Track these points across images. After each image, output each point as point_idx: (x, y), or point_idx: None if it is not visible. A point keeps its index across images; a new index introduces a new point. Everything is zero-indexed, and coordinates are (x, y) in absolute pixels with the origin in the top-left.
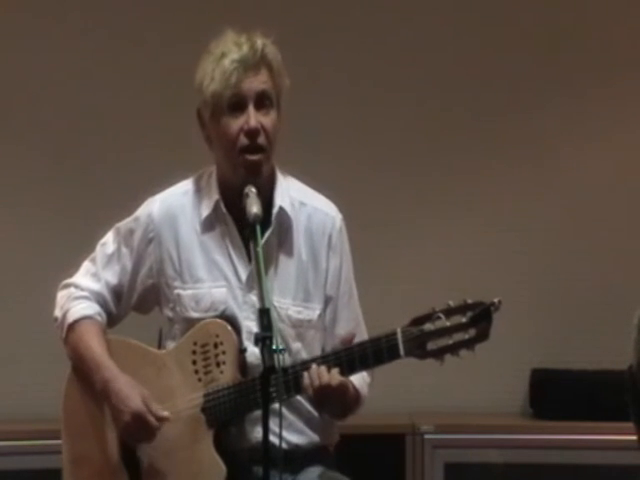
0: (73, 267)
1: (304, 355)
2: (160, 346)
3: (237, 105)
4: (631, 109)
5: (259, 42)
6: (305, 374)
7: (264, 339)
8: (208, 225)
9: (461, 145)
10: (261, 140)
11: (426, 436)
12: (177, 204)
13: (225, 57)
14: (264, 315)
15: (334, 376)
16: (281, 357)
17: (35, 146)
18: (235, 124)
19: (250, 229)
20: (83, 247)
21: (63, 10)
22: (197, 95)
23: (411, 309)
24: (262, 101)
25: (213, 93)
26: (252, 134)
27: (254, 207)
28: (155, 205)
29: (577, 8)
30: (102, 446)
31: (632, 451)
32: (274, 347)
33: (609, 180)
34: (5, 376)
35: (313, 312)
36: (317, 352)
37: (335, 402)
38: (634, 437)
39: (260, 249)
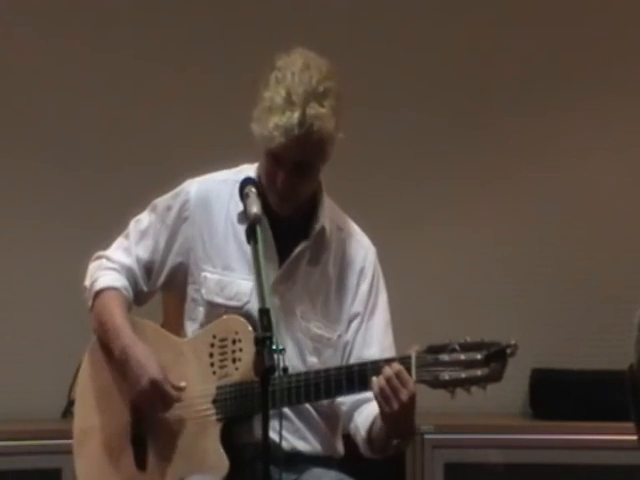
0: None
1: None
2: None
3: (275, 159)
4: (633, 110)
5: (311, 112)
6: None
7: (264, 339)
8: (244, 219)
9: (460, 149)
10: (291, 200)
11: (426, 436)
12: (214, 190)
13: (272, 114)
14: (264, 315)
15: (399, 368)
16: (283, 358)
17: (50, 153)
18: (272, 169)
19: (250, 229)
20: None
21: (78, 23)
22: None
23: (411, 313)
24: (300, 169)
25: (256, 136)
26: (278, 195)
27: (254, 207)
28: (194, 186)
29: (580, 9)
30: (113, 420)
31: (632, 451)
32: (274, 347)
33: (609, 182)
34: (5, 376)
35: (333, 332)
36: None
37: (403, 400)
38: (634, 437)
39: (260, 249)
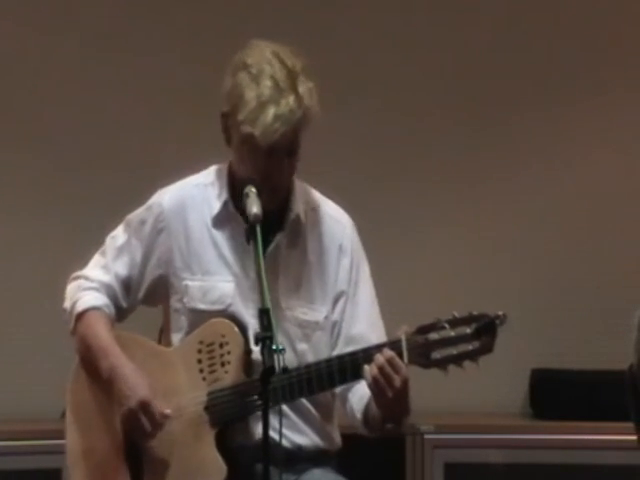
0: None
1: (310, 356)
2: (160, 343)
3: (269, 154)
4: (633, 110)
5: (302, 90)
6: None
7: (264, 339)
8: (218, 222)
9: (460, 149)
10: (281, 190)
11: (426, 436)
12: (188, 196)
13: (267, 107)
14: (264, 315)
15: (390, 355)
16: (282, 358)
17: (49, 152)
18: (265, 166)
19: (250, 229)
20: (85, 254)
21: (78, 23)
22: (225, 102)
23: (411, 313)
24: (291, 152)
25: (250, 135)
26: (272, 188)
27: (254, 207)
28: (166, 196)
29: (580, 8)
30: (105, 439)
31: (632, 451)
32: (274, 347)
33: (607, 184)
34: (5, 376)
35: (319, 314)
36: (324, 355)
37: (397, 387)
38: (634, 437)
39: (260, 249)
